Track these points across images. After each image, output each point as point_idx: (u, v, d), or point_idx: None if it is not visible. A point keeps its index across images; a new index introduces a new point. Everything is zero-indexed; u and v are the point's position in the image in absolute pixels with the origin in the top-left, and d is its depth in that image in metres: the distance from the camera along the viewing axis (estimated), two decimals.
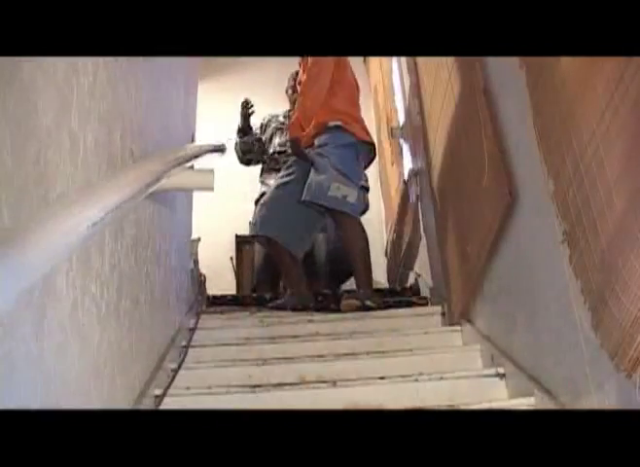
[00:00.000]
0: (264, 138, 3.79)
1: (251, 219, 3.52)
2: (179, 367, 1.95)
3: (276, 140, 3.71)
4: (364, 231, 2.90)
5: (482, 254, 1.85)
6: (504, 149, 1.66)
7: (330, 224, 3.24)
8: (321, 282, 3.48)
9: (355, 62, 3.39)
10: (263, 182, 3.70)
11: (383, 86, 4.05)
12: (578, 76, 1.16)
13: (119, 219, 1.43)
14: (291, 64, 3.73)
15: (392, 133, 3.58)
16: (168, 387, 1.77)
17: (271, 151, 3.72)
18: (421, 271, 3.08)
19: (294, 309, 2.78)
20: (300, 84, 3.07)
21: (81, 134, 1.19)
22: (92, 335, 1.25)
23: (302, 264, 3.01)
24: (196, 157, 1.95)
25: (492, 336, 1.90)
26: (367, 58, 4.84)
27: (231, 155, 3.63)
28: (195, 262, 2.97)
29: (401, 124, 3.50)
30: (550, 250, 1.36)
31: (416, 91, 2.95)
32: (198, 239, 3.09)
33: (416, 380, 1.78)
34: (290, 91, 3.66)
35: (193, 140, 2.91)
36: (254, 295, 3.19)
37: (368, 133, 3.03)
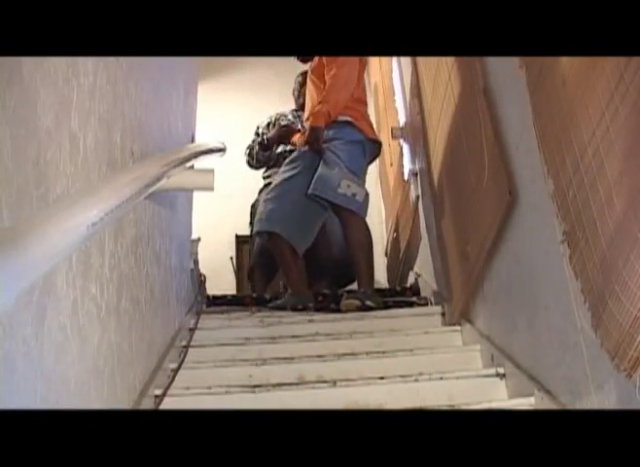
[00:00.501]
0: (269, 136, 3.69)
1: (253, 219, 3.51)
2: (179, 367, 1.95)
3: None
4: (369, 230, 2.90)
5: (482, 254, 1.85)
6: (504, 149, 1.66)
7: (332, 224, 3.22)
8: (322, 284, 3.46)
9: None
10: (268, 180, 3.62)
11: (383, 86, 4.05)
12: (578, 76, 1.16)
13: (119, 219, 1.42)
14: (291, 64, 3.73)
15: (392, 133, 3.58)
16: (168, 387, 1.77)
17: (280, 150, 3.63)
18: (421, 271, 3.08)
19: (294, 309, 2.77)
20: (314, 77, 3.00)
21: (81, 134, 1.19)
22: (92, 335, 1.25)
23: (303, 263, 2.99)
24: (197, 157, 1.96)
25: (492, 336, 1.90)
26: (367, 58, 4.83)
27: (231, 155, 3.61)
28: (196, 262, 2.97)
29: (401, 124, 3.50)
30: (550, 250, 1.36)
31: (416, 91, 2.95)
32: (198, 239, 3.09)
33: (416, 380, 1.78)
34: (296, 93, 3.65)
35: (192, 140, 2.91)
36: (254, 295, 3.18)
37: (374, 132, 3.03)
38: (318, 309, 2.77)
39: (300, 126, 3.52)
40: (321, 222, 3.11)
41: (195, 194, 2.97)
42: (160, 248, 2.01)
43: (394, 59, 3.65)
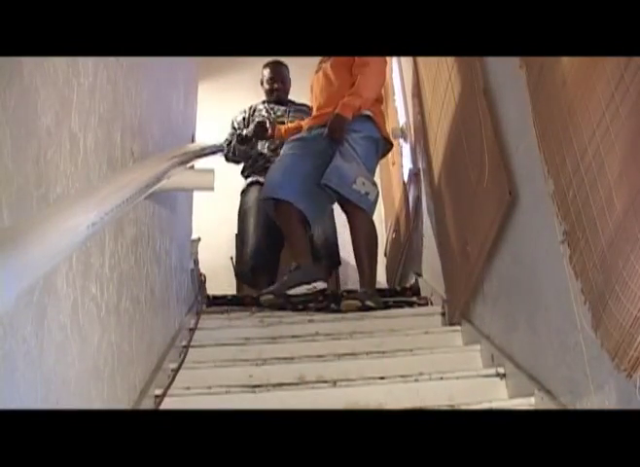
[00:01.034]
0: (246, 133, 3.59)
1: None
2: (179, 367, 1.95)
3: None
4: (375, 230, 2.86)
5: (482, 254, 1.85)
6: (504, 149, 1.66)
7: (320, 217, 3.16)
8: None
9: None
10: (251, 180, 3.58)
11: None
12: (578, 76, 1.16)
13: (119, 219, 1.43)
14: (291, 64, 3.74)
15: (392, 133, 3.58)
16: (168, 387, 1.77)
17: (260, 149, 3.55)
18: (421, 271, 3.08)
19: (294, 309, 2.74)
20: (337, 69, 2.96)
21: (81, 134, 1.19)
22: (92, 335, 1.25)
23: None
24: (197, 157, 1.96)
25: (492, 335, 1.90)
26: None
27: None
28: (196, 262, 2.97)
29: (401, 123, 3.50)
30: (550, 250, 1.36)
31: (416, 91, 2.95)
32: (198, 239, 3.09)
33: (416, 380, 1.78)
34: (267, 86, 3.63)
35: (193, 140, 2.91)
36: (254, 295, 3.17)
37: (387, 130, 3.03)
38: (318, 309, 2.77)
39: (271, 118, 3.50)
40: (328, 210, 3.05)
41: (196, 194, 2.97)
42: (161, 248, 2.01)
43: (394, 59, 3.65)
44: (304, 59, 2.92)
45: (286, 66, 3.72)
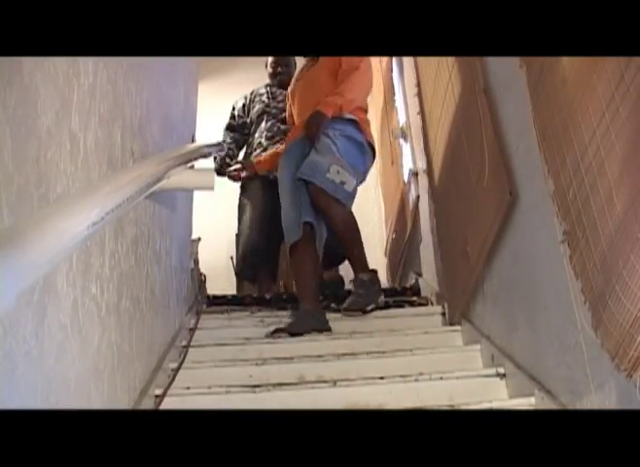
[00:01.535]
0: (247, 121, 3.57)
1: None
2: (179, 367, 1.95)
3: (263, 124, 3.49)
4: (354, 218, 2.65)
5: (482, 254, 1.85)
6: (504, 149, 1.66)
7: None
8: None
9: None
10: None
11: (383, 86, 4.05)
12: (578, 76, 1.16)
13: (119, 219, 1.43)
14: None
15: (392, 133, 3.58)
16: (168, 387, 1.77)
17: (258, 137, 3.48)
18: (421, 271, 3.08)
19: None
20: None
21: (81, 134, 1.19)
22: (93, 334, 1.25)
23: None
24: (197, 157, 1.96)
25: (492, 335, 1.90)
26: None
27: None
28: (196, 262, 2.97)
29: (401, 124, 3.50)
30: (550, 250, 1.36)
31: (417, 91, 2.94)
32: (198, 239, 3.09)
33: (416, 380, 1.78)
34: (270, 69, 3.51)
35: (193, 140, 2.91)
36: (254, 295, 3.17)
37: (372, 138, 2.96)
38: None
39: (275, 105, 3.48)
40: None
41: (196, 194, 2.97)
42: (161, 248, 2.01)
43: (394, 59, 3.65)
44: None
45: None
